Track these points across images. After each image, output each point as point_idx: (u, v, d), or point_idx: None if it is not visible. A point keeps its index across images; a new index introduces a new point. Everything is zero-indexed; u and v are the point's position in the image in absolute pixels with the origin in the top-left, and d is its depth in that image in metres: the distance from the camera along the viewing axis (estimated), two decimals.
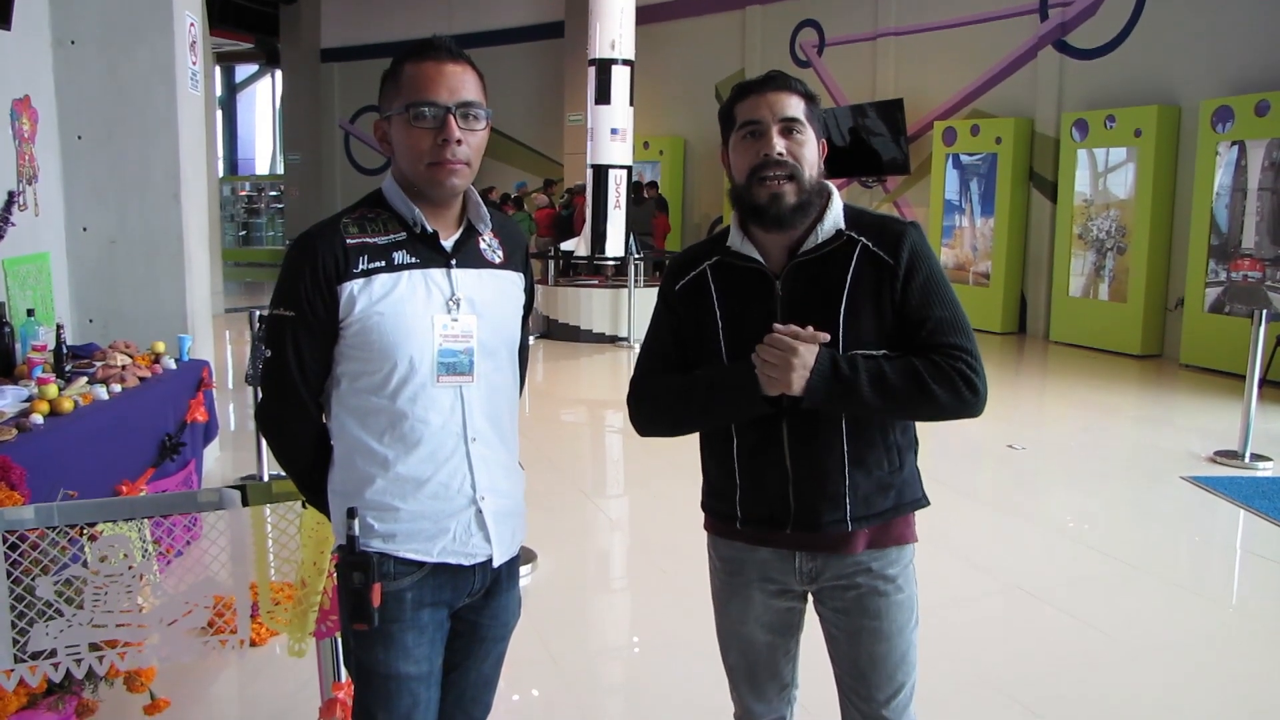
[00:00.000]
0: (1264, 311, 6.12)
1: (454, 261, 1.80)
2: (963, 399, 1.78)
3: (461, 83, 1.72)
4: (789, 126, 1.82)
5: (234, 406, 7.68)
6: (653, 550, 4.76)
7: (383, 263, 1.74)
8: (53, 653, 2.24)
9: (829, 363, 1.75)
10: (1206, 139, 9.25)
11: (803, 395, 1.75)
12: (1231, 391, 7.93)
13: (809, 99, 1.86)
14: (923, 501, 1.96)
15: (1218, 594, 4.34)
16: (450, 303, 1.77)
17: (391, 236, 1.76)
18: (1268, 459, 6.12)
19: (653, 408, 1.95)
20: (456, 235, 1.82)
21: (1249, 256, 8.96)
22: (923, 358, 1.79)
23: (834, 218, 1.86)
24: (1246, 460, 6.08)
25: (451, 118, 1.71)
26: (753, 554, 1.96)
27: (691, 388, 1.88)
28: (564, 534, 4.91)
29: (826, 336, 1.77)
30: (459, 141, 1.71)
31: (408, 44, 1.77)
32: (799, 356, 1.74)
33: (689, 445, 2.04)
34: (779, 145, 1.81)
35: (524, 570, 4.11)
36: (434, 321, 1.75)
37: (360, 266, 1.72)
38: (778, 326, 1.78)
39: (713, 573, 2.06)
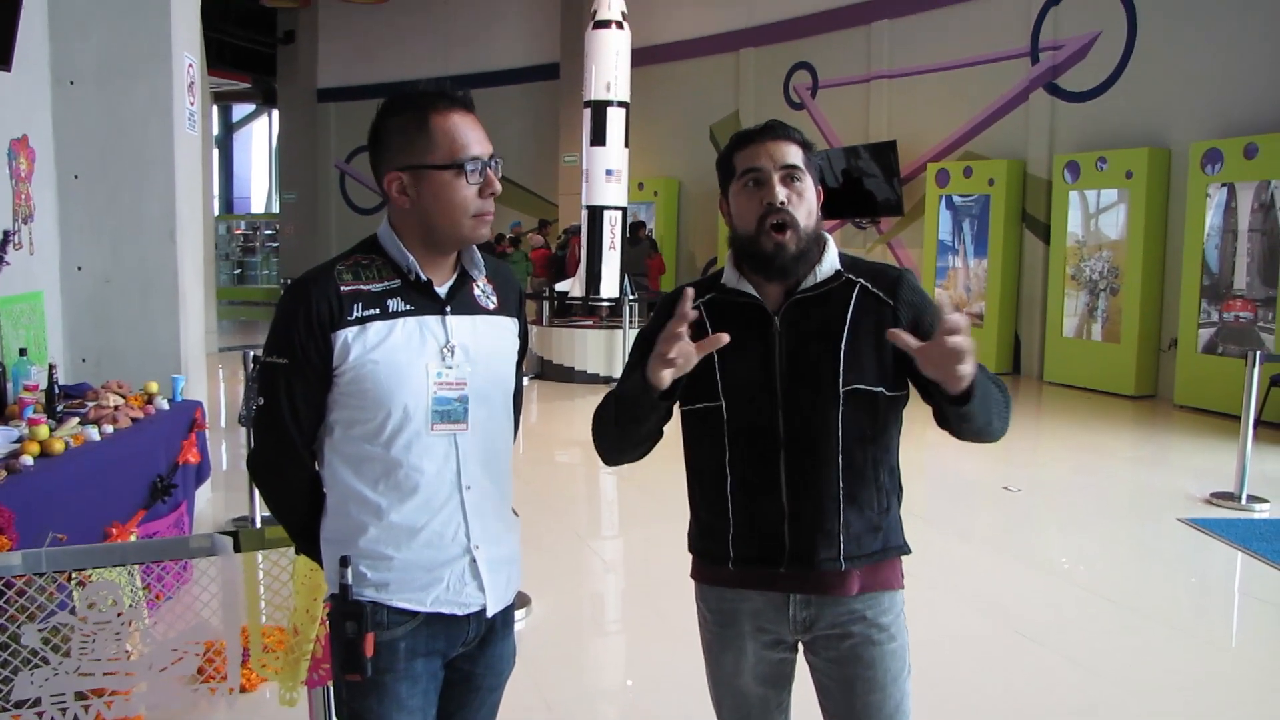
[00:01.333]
0: (1258, 353, 6.13)
1: (448, 309, 1.79)
2: (1009, 413, 1.86)
3: (484, 133, 1.76)
4: (790, 174, 1.84)
5: (227, 446, 7.65)
6: (648, 592, 4.72)
7: (377, 310, 1.73)
8: (37, 701, 2.20)
9: None
10: (1196, 181, 9.33)
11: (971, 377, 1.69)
12: (1226, 432, 7.93)
13: (806, 147, 1.88)
14: (905, 548, 1.96)
15: (1216, 637, 4.31)
16: (445, 350, 1.76)
17: (386, 284, 1.76)
18: (1265, 500, 6.10)
19: (596, 431, 1.94)
20: (450, 282, 1.82)
21: (1240, 297, 9.01)
22: None
23: (831, 260, 1.89)
24: (1243, 502, 6.07)
25: (491, 171, 1.75)
26: (745, 603, 1.93)
27: (612, 399, 1.89)
28: (558, 577, 4.87)
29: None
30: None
31: (411, 89, 1.75)
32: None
33: (682, 486, 2.02)
34: (781, 193, 1.82)
35: (518, 614, 4.07)
36: (428, 369, 1.74)
37: (354, 314, 1.72)
38: (949, 315, 1.67)
39: (703, 626, 2.03)
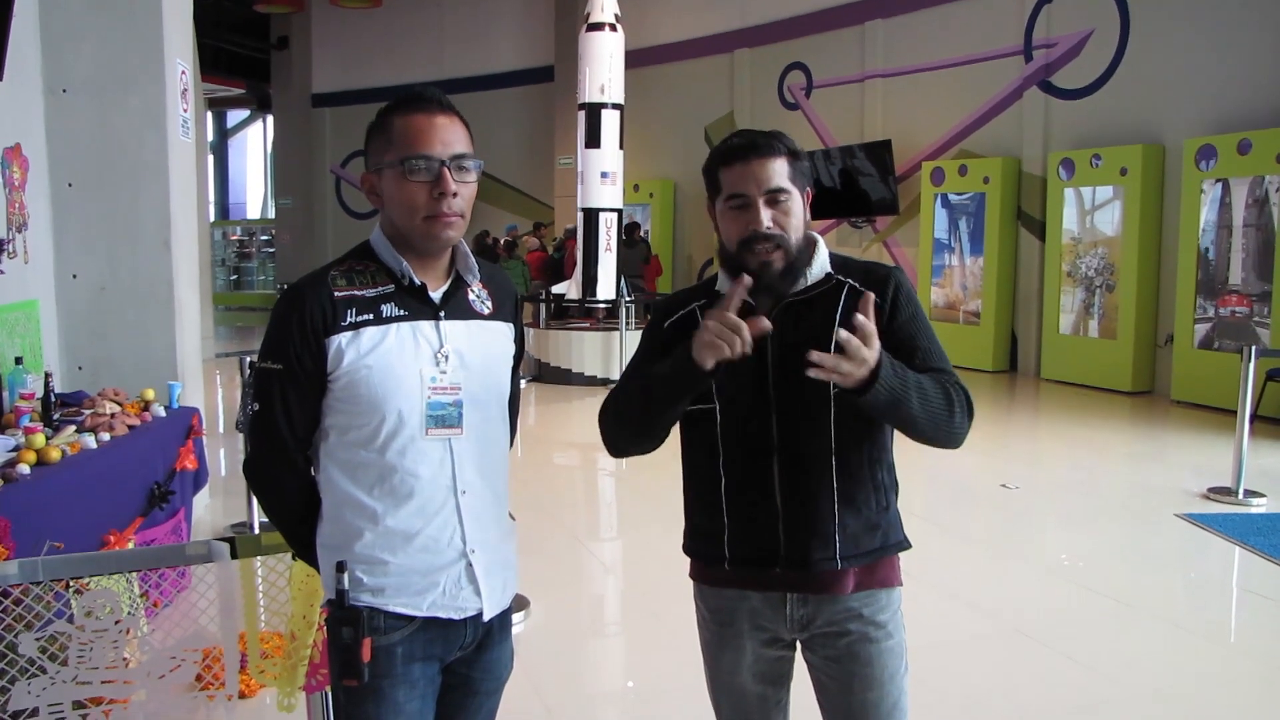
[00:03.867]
0: (1253, 348, 6.14)
1: (442, 314, 1.79)
2: (967, 415, 1.84)
3: (453, 135, 1.73)
4: (774, 197, 1.82)
5: (224, 452, 7.64)
6: (646, 594, 4.72)
7: (370, 315, 1.73)
8: (35, 711, 2.19)
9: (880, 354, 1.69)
10: (1191, 177, 9.35)
11: (872, 378, 1.66)
12: (1223, 427, 7.93)
13: (793, 157, 1.86)
14: (905, 544, 1.96)
15: (1216, 633, 4.31)
16: (439, 355, 1.76)
17: (379, 289, 1.76)
18: (1262, 495, 6.10)
19: (612, 416, 1.94)
20: (445, 287, 1.82)
21: (1236, 292, 9.02)
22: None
23: (821, 263, 1.90)
24: (1240, 497, 6.07)
25: (446, 171, 1.71)
26: (743, 602, 1.94)
27: (639, 382, 1.89)
28: (556, 579, 4.86)
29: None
30: (454, 194, 1.72)
31: (396, 94, 1.77)
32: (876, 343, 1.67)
33: (679, 487, 2.02)
34: (766, 218, 1.81)
35: (516, 618, 4.07)
36: (422, 374, 1.74)
37: (348, 319, 1.72)
38: (815, 355, 1.66)
39: (701, 625, 2.04)
